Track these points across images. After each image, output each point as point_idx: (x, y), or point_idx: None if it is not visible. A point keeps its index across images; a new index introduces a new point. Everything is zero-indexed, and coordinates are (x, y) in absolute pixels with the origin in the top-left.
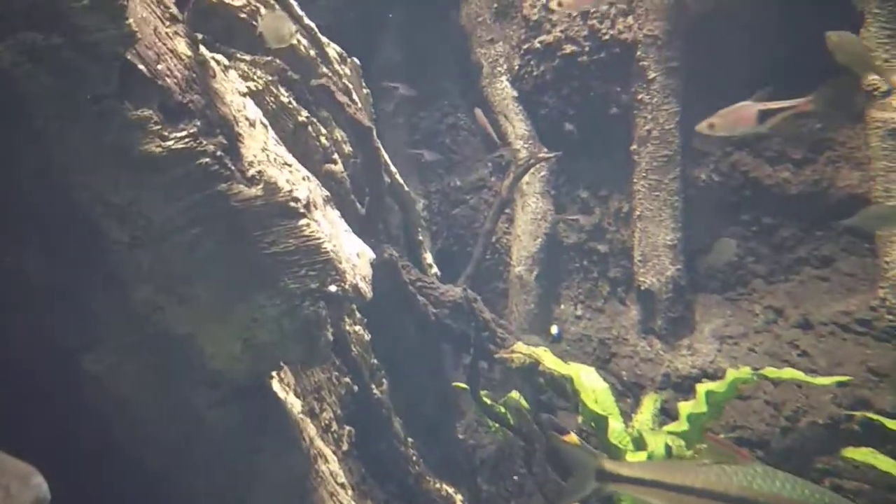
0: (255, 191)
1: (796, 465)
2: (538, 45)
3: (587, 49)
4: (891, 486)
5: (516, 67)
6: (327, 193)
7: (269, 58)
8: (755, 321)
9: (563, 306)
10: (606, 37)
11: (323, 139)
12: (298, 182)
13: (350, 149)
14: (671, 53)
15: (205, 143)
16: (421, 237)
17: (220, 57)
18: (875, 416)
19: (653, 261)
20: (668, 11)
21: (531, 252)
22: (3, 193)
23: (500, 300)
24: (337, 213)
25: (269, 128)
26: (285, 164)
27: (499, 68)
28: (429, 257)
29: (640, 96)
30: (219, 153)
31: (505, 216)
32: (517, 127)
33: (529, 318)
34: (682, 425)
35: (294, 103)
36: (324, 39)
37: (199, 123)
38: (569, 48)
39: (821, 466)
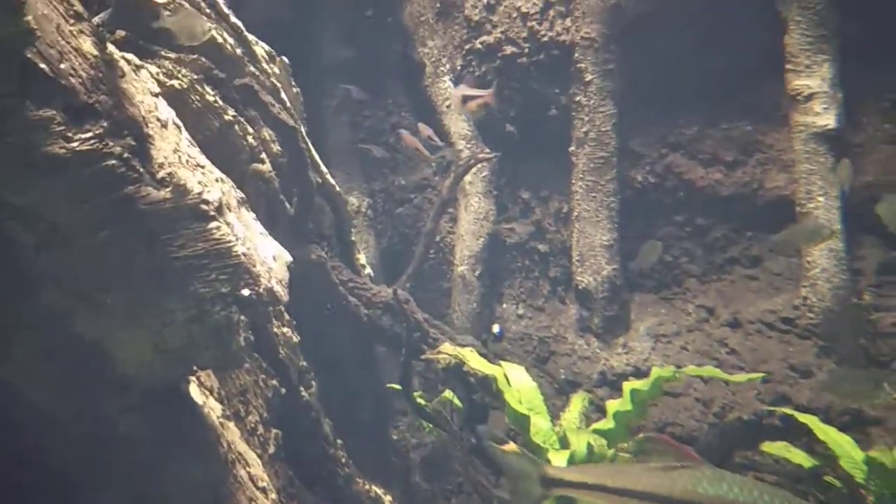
0: (165, 193)
1: (718, 459)
2: (480, 46)
3: (527, 50)
4: (801, 478)
5: (458, 67)
6: (242, 195)
7: (195, 56)
8: (688, 320)
9: (505, 305)
10: (545, 38)
11: (250, 138)
12: (211, 184)
13: (279, 148)
14: (608, 56)
15: (111, 144)
16: (354, 238)
17: (130, 56)
18: (790, 412)
19: (590, 261)
20: (604, 14)
21: (474, 252)
22: None
23: (444, 299)
24: (252, 215)
25: (183, 128)
26: (198, 165)
27: (441, 68)
28: (362, 258)
29: (577, 98)
30: (126, 155)
31: (449, 216)
32: (459, 127)
33: (472, 317)
34: (608, 423)
35: (220, 102)
36: (251, 38)
37: (105, 124)
38: (509, 49)
39: (740, 461)
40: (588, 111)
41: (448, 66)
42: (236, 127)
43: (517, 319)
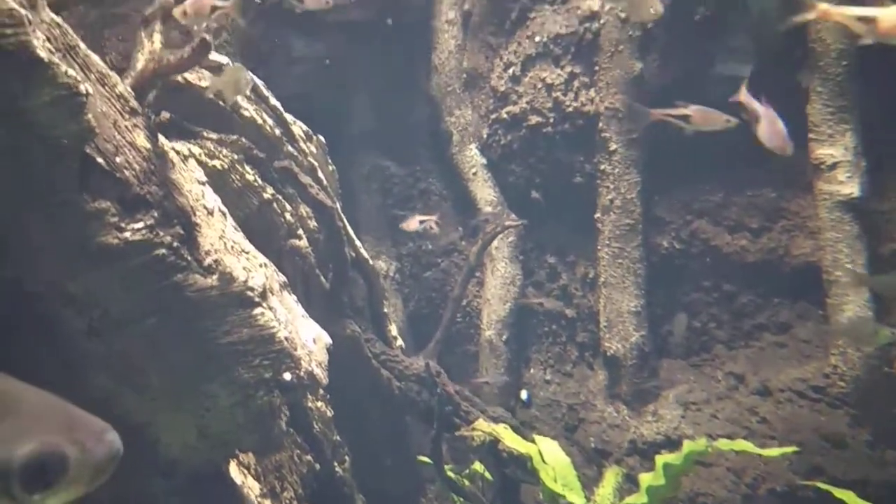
0: (211, 280)
1: None
2: (505, 116)
3: (552, 120)
4: None
5: (485, 136)
6: (284, 279)
7: (235, 137)
8: (717, 387)
9: (532, 370)
10: (570, 109)
11: (288, 215)
12: (255, 269)
13: (315, 224)
14: (632, 126)
15: (161, 234)
16: (386, 309)
17: (179, 147)
18: (825, 486)
19: (618, 327)
20: (627, 85)
21: (501, 316)
22: None
23: (471, 363)
24: (293, 297)
25: (228, 215)
26: (243, 251)
27: (468, 136)
28: (394, 329)
29: (602, 167)
30: (175, 244)
31: (475, 280)
32: (486, 193)
33: (500, 383)
34: (641, 497)
35: (259, 181)
36: (289, 118)
37: (156, 214)
38: (534, 119)
39: None
40: (613, 179)
41: (474, 135)
42: (275, 205)
43: (545, 385)
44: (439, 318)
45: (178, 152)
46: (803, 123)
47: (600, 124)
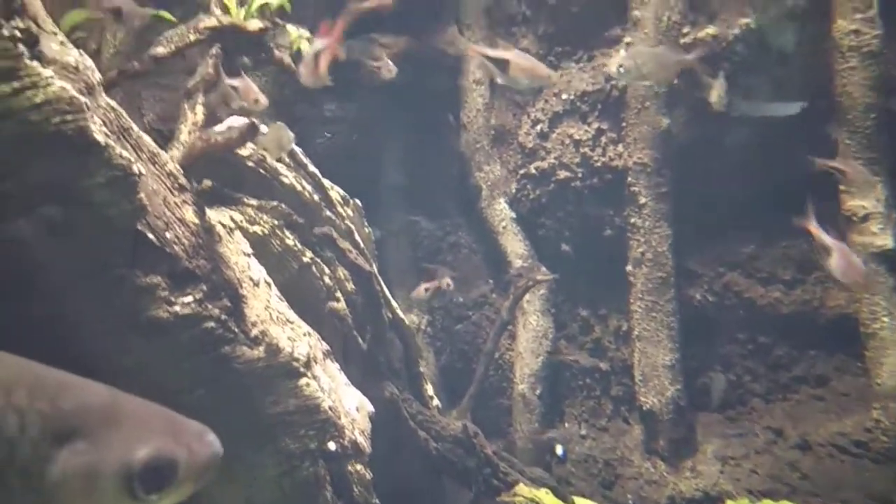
0: (258, 352)
1: None
2: (534, 171)
3: (580, 175)
4: None
5: (513, 190)
6: (327, 347)
7: (275, 203)
8: (755, 441)
9: (567, 425)
10: (598, 164)
11: (326, 278)
12: (299, 338)
13: (352, 286)
14: (660, 180)
15: (210, 307)
16: (422, 368)
17: (226, 220)
18: None
19: (653, 381)
20: (655, 140)
21: (534, 370)
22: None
23: (504, 417)
24: (336, 365)
25: (273, 285)
26: (287, 320)
27: (497, 191)
28: (429, 389)
29: (632, 220)
30: (223, 317)
31: (507, 332)
32: (516, 246)
33: (534, 437)
34: None
35: (299, 245)
36: (327, 183)
37: (204, 288)
38: (563, 174)
39: None
40: (643, 233)
41: (503, 189)
42: (314, 268)
43: (580, 440)
44: (471, 371)
45: (224, 225)
46: (833, 174)
47: (629, 178)
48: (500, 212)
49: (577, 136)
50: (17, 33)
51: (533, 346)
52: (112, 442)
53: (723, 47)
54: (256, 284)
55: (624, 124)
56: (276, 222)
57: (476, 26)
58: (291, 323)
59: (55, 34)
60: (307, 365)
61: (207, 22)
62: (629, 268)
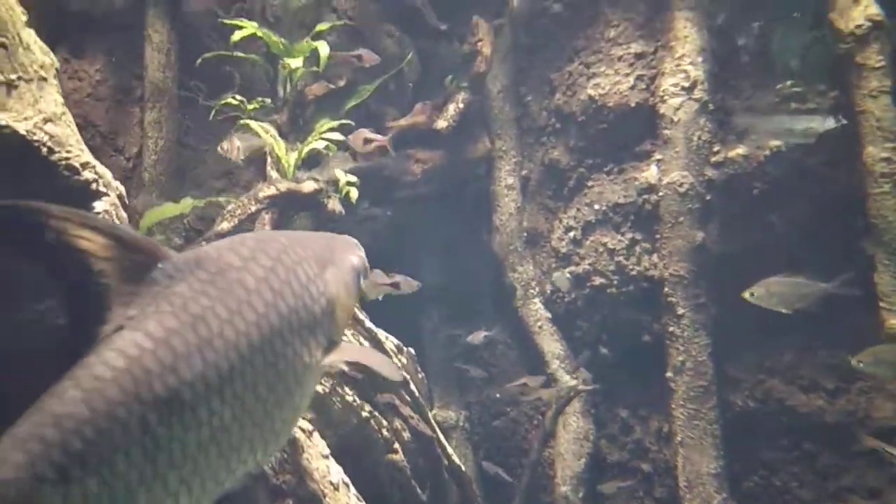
0: None
1: None
2: (568, 275)
3: (615, 282)
4: None
5: (548, 292)
6: None
7: None
8: None
9: None
10: (633, 272)
11: (384, 431)
12: None
13: (409, 434)
14: (697, 291)
15: None
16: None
17: (305, 424)
18: None
19: (698, 488)
20: (690, 254)
21: (575, 472)
22: None
23: None
24: None
25: (351, 485)
26: None
27: (531, 291)
28: None
29: (670, 329)
30: None
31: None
32: (552, 347)
33: None
34: None
35: (357, 400)
36: (381, 335)
37: (290, 503)
38: (598, 280)
39: None
40: (683, 342)
41: (538, 290)
42: (372, 421)
43: None
44: (509, 468)
45: (303, 430)
46: (868, 285)
47: (666, 289)
48: (536, 312)
49: (610, 245)
50: None
51: (574, 448)
52: (344, 261)
53: (754, 167)
54: (336, 488)
55: (658, 236)
56: (335, 380)
57: (506, 136)
58: None
59: None
60: None
61: (266, 191)
62: (669, 374)
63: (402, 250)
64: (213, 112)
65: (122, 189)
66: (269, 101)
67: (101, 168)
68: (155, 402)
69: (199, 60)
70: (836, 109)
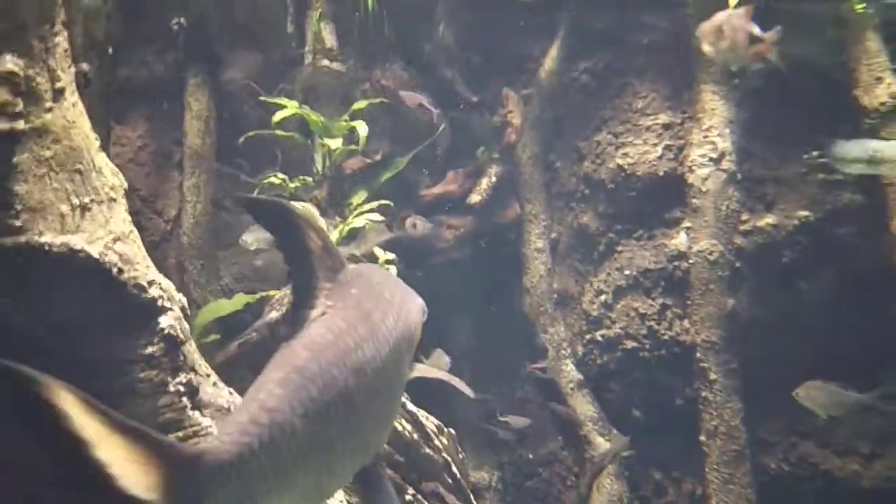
0: None
1: None
2: (599, 338)
3: (647, 346)
4: None
5: (580, 353)
6: None
7: None
8: None
9: None
10: (665, 337)
11: None
12: None
13: None
14: (729, 357)
15: None
16: None
17: None
18: None
19: None
20: (721, 320)
21: None
22: None
23: None
24: None
25: None
26: None
27: (563, 352)
28: None
29: (703, 394)
30: None
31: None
32: (586, 409)
33: None
34: None
35: (400, 481)
36: (422, 415)
37: None
38: (629, 344)
39: None
40: (715, 406)
41: (569, 351)
42: None
43: None
44: None
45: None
46: None
47: (698, 354)
48: (568, 373)
49: (642, 310)
50: (182, 388)
51: None
52: (417, 301)
53: (783, 236)
54: None
55: (689, 302)
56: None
57: (535, 200)
58: None
59: (209, 376)
60: None
61: None
62: (703, 438)
63: (434, 316)
64: (255, 190)
65: (184, 301)
66: (309, 179)
67: (165, 283)
68: (353, 369)
69: (241, 139)
70: (862, 182)
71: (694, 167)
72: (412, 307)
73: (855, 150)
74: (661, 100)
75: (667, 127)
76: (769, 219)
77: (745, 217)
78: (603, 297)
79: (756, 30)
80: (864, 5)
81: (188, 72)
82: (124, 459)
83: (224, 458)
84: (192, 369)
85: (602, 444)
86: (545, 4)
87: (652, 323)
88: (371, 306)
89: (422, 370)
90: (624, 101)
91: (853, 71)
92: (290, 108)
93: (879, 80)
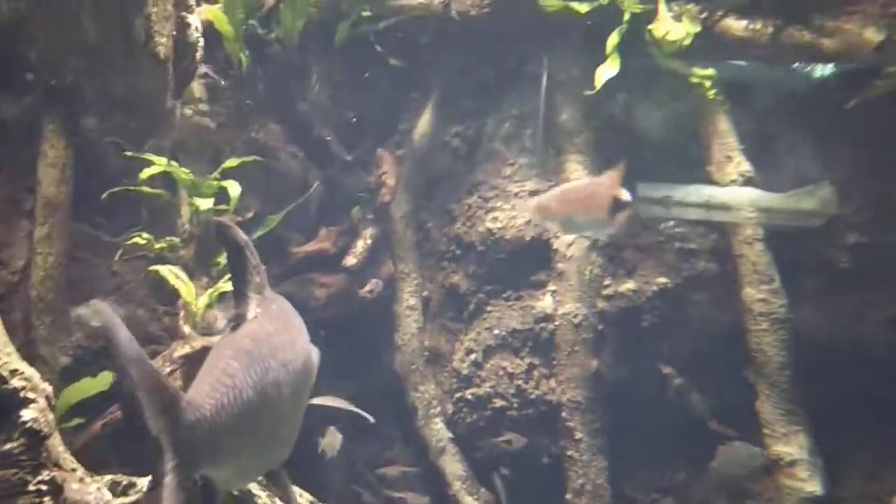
0: None
1: None
2: (469, 396)
3: (515, 405)
4: None
5: (450, 412)
6: None
7: None
8: None
9: None
10: (532, 396)
11: None
12: None
13: None
14: (594, 416)
15: None
16: None
17: None
18: None
19: None
20: (585, 381)
21: None
22: None
23: None
24: None
25: None
26: None
27: (433, 410)
28: None
29: (569, 452)
30: None
31: None
32: (454, 468)
33: None
34: None
35: None
36: (296, 491)
37: None
38: (498, 402)
39: None
40: (581, 465)
41: (439, 409)
42: None
43: None
44: None
45: None
46: (750, 412)
47: (564, 414)
48: (437, 432)
49: (510, 370)
50: (43, 487)
51: None
52: (313, 348)
53: (643, 301)
54: None
55: (555, 363)
56: None
57: (408, 259)
58: None
59: (74, 470)
60: None
61: (181, 350)
62: (569, 496)
63: None
64: (119, 252)
65: (49, 390)
66: (176, 239)
67: (28, 371)
68: (280, 363)
69: (104, 195)
70: (715, 251)
71: (559, 234)
72: (310, 345)
73: (656, 193)
74: (529, 167)
75: (534, 193)
76: (630, 284)
77: (607, 282)
78: (473, 356)
79: (624, 194)
80: (715, 91)
81: (46, 117)
82: None
83: (205, 408)
84: (57, 464)
85: (471, 503)
86: (419, 68)
87: (520, 382)
88: (288, 322)
89: (321, 399)
90: (493, 167)
91: (707, 149)
92: (159, 164)
93: (729, 158)
